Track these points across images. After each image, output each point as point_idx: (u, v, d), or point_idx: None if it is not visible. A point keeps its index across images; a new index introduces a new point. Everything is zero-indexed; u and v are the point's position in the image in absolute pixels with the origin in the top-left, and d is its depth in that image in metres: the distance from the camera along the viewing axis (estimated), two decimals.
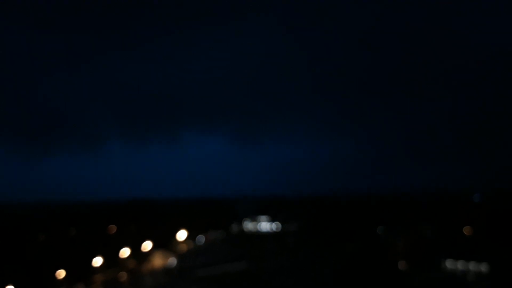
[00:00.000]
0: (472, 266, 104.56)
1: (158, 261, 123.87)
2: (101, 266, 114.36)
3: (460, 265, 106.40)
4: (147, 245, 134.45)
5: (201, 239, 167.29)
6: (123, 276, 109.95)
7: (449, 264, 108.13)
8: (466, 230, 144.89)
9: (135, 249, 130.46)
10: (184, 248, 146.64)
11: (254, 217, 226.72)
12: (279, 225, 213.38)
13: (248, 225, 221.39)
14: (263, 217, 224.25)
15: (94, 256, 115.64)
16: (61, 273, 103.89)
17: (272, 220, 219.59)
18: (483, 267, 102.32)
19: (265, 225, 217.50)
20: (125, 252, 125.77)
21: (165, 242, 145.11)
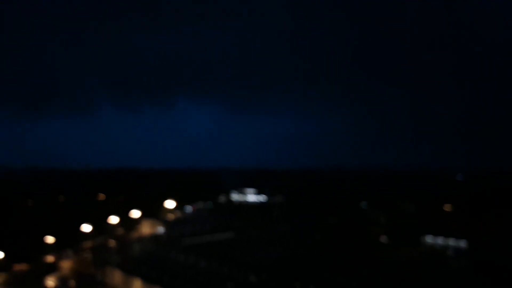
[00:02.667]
0: (451, 242, 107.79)
1: (146, 229, 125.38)
2: (89, 233, 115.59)
3: (439, 240, 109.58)
4: (135, 213, 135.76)
5: (188, 209, 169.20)
6: (112, 243, 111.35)
7: (429, 239, 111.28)
8: (447, 207, 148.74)
9: (124, 217, 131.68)
10: (172, 217, 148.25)
11: (241, 189, 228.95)
12: (266, 197, 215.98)
13: (235, 197, 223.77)
14: (250, 189, 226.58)
15: (83, 223, 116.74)
16: (50, 239, 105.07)
17: (259, 192, 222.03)
18: (462, 243, 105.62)
19: (251, 197, 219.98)
20: (113, 219, 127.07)
21: (153, 211, 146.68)
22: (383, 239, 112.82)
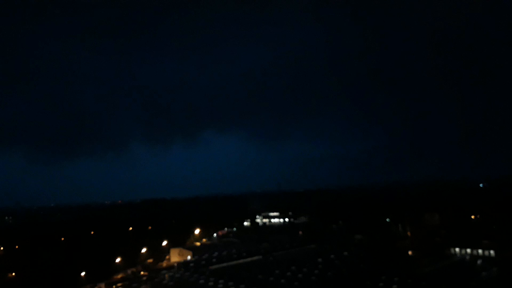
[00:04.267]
0: (480, 252, 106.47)
1: (175, 257, 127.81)
2: (121, 264, 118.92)
3: (468, 251, 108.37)
4: (164, 243, 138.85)
5: (215, 235, 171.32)
6: (143, 273, 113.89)
7: (457, 251, 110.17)
8: (472, 217, 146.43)
9: (153, 247, 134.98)
10: (199, 244, 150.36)
11: (266, 213, 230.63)
12: (290, 219, 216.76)
13: (261, 220, 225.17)
14: (274, 212, 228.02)
15: (114, 256, 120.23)
16: (82, 273, 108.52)
17: (283, 214, 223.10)
18: (491, 253, 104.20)
19: (276, 220, 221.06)
20: (143, 250, 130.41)
21: (181, 239, 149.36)
22: (411, 253, 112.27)
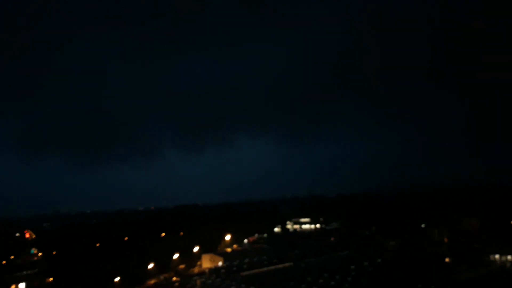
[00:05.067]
0: None
1: (206, 263, 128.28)
2: (153, 270, 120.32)
3: (509, 258, 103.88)
4: (195, 249, 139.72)
5: (246, 241, 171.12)
6: (175, 279, 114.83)
7: (497, 258, 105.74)
8: None
9: (185, 253, 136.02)
10: (230, 250, 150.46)
11: (297, 218, 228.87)
12: (321, 225, 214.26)
13: (292, 226, 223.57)
14: (305, 218, 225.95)
15: (148, 262, 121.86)
16: (116, 278, 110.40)
17: (314, 220, 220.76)
18: None
19: (307, 226, 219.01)
20: (175, 256, 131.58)
21: (213, 245, 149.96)
22: (448, 260, 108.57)
